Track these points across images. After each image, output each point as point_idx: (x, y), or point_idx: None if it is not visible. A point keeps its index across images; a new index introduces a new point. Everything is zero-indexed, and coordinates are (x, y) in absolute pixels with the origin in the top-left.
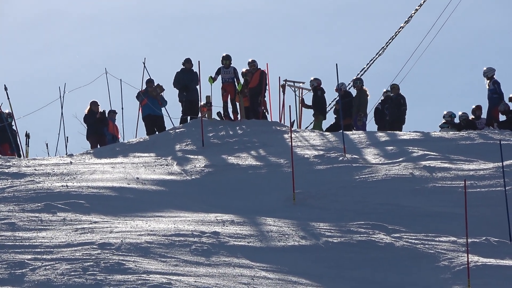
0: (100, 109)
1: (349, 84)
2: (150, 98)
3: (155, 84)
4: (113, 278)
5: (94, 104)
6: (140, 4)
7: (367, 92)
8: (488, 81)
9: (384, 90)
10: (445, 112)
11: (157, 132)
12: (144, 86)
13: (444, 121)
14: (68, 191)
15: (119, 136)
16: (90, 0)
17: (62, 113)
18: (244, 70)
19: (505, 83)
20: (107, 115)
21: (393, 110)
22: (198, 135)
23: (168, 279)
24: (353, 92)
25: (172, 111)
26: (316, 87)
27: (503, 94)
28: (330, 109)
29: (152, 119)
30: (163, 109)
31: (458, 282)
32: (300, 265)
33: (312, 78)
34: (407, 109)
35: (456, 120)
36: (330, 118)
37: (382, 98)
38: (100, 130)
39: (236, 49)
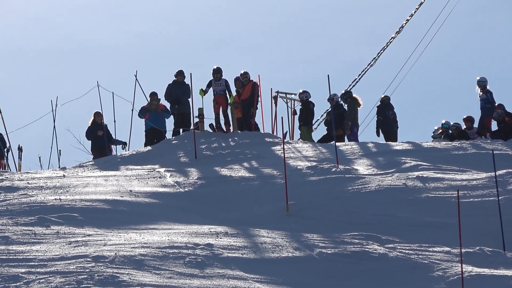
0: (104, 120)
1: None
2: (152, 111)
3: (156, 98)
4: None
5: (97, 115)
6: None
7: (359, 101)
8: (480, 89)
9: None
10: (443, 121)
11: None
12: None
13: (439, 130)
14: (62, 204)
15: (112, 150)
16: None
17: (54, 126)
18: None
19: (494, 91)
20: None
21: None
22: (190, 147)
23: None
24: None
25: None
26: (307, 100)
27: (495, 103)
28: (322, 120)
29: (153, 133)
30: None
31: None
32: (294, 276)
33: (301, 91)
34: (398, 119)
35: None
36: (322, 130)
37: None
38: (104, 144)
39: (228, 63)
